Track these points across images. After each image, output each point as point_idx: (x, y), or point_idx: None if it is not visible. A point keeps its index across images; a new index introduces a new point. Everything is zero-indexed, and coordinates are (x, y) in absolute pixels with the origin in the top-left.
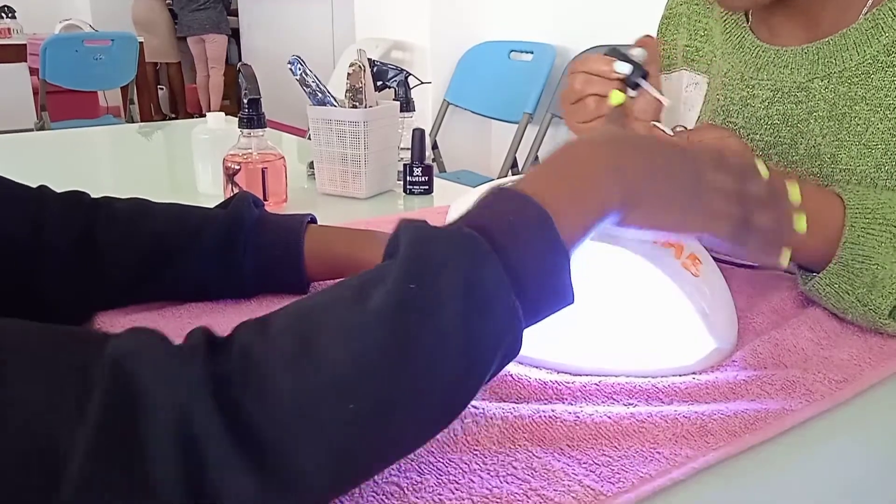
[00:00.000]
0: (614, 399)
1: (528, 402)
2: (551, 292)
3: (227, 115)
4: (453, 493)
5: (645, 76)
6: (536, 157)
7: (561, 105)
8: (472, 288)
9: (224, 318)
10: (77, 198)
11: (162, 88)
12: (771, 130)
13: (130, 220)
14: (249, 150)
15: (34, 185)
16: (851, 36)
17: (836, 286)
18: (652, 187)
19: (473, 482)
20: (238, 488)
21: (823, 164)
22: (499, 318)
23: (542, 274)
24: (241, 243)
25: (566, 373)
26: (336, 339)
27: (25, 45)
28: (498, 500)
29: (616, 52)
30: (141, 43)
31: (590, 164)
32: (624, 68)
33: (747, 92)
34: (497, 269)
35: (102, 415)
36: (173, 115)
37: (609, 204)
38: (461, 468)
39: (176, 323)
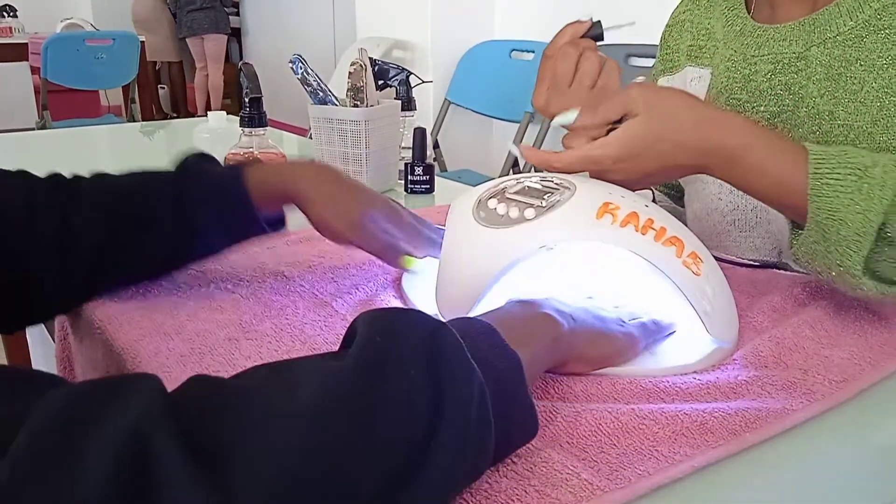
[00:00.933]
0: (615, 397)
1: None
2: (517, 410)
3: (228, 114)
4: None
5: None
6: None
7: (553, 107)
8: (433, 345)
9: (224, 317)
10: (56, 181)
11: (163, 87)
12: (774, 100)
13: (93, 195)
14: (251, 149)
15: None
16: (845, 4)
17: (818, 245)
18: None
19: None
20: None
21: (822, 121)
22: (464, 384)
23: (504, 382)
24: (189, 198)
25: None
26: (311, 373)
27: (27, 44)
28: (497, 495)
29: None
30: (142, 42)
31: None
32: (584, 19)
33: (750, 69)
34: (455, 339)
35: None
36: (174, 115)
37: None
38: None
39: (174, 321)
